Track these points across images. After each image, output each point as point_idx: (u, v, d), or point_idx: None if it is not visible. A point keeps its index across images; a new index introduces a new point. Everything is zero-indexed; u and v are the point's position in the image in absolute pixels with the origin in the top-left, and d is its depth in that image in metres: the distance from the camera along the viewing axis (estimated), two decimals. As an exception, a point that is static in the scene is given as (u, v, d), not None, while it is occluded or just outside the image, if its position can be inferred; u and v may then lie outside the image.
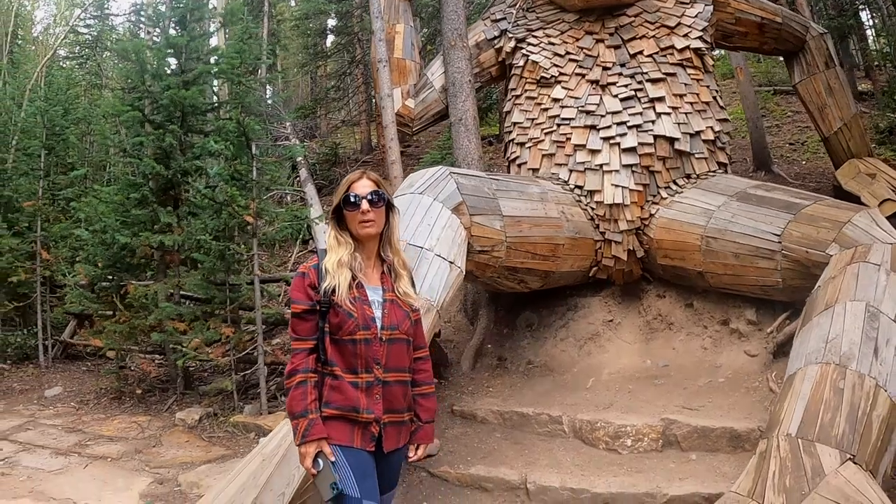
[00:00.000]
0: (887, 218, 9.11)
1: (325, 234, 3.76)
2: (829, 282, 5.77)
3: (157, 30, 12.18)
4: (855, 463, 4.24)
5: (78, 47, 30.65)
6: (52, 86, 15.81)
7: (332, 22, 26.98)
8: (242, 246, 9.24)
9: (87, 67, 28.79)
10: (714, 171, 8.43)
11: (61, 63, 29.43)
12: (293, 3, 35.77)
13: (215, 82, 12.89)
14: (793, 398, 4.73)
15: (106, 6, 31.06)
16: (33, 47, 38.33)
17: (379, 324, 3.24)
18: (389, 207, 3.43)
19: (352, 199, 3.31)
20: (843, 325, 5.09)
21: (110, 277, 10.86)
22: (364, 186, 3.35)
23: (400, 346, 3.27)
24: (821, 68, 10.48)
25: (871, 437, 4.40)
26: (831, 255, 6.23)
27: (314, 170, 20.22)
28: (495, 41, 9.98)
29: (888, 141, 14.82)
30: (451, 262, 6.11)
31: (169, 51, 10.47)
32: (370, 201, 3.30)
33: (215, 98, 12.89)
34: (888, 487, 4.57)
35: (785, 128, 16.36)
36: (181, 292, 10.56)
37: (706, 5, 9.28)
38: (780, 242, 6.78)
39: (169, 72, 10.49)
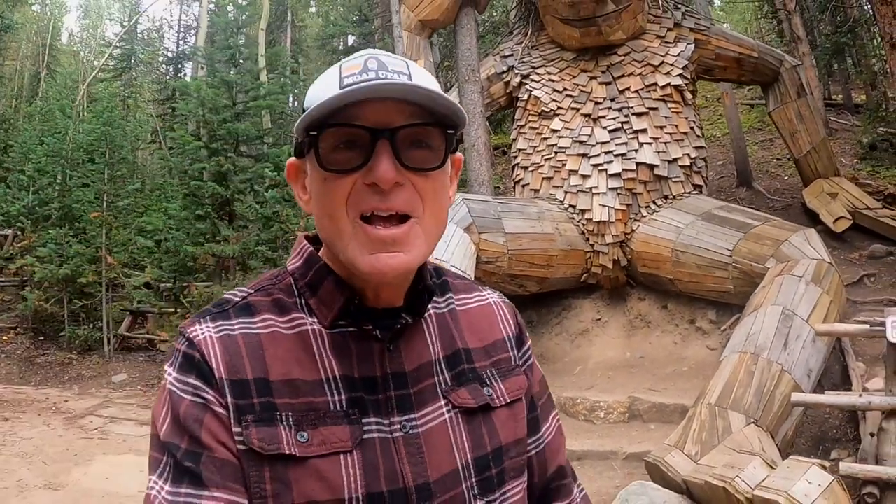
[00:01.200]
0: (840, 233, 10.77)
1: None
2: (762, 289, 7.38)
3: (203, 66, 13.90)
4: (757, 426, 5.82)
5: (113, 61, 31.95)
6: (107, 104, 17.39)
7: (352, 38, 28.20)
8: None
9: (122, 80, 30.09)
10: (689, 193, 9.92)
11: (96, 75, 30.90)
12: (313, 9, 37.21)
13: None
14: (717, 378, 6.36)
15: (138, 20, 32.34)
16: (68, 59, 39.92)
17: None
18: None
19: None
20: (763, 323, 6.72)
21: (173, 280, 12.59)
22: None
23: None
24: (793, 97, 11.77)
25: (774, 408, 6.02)
26: (768, 268, 7.80)
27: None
28: (504, 75, 11.55)
29: (870, 156, 15.94)
30: (462, 272, 7.65)
31: (223, 88, 12.16)
32: None
33: (262, 127, 14.45)
34: (787, 446, 6.13)
35: (777, 142, 17.53)
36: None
37: (688, 44, 10.76)
38: (731, 256, 8.38)
39: (223, 105, 12.13)
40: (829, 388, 7.16)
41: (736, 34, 12.84)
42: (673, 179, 9.83)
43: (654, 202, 9.71)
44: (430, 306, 1.31)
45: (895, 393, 5.64)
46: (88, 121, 18.33)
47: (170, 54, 35.13)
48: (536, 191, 10.30)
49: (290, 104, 16.49)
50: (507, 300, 1.51)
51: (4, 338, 15.19)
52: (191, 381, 1.13)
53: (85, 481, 7.36)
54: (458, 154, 1.28)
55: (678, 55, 10.57)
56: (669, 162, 9.84)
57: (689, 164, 9.99)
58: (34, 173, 17.46)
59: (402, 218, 1.14)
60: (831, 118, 19.31)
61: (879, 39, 20.06)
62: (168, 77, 33.33)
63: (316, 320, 1.21)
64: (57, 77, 29.94)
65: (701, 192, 10.21)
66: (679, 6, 11.64)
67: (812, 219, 11.69)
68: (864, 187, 12.60)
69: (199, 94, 11.39)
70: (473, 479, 1.24)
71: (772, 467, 4.87)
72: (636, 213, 9.66)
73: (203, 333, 1.16)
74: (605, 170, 9.73)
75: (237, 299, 1.23)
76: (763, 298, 7.13)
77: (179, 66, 34.09)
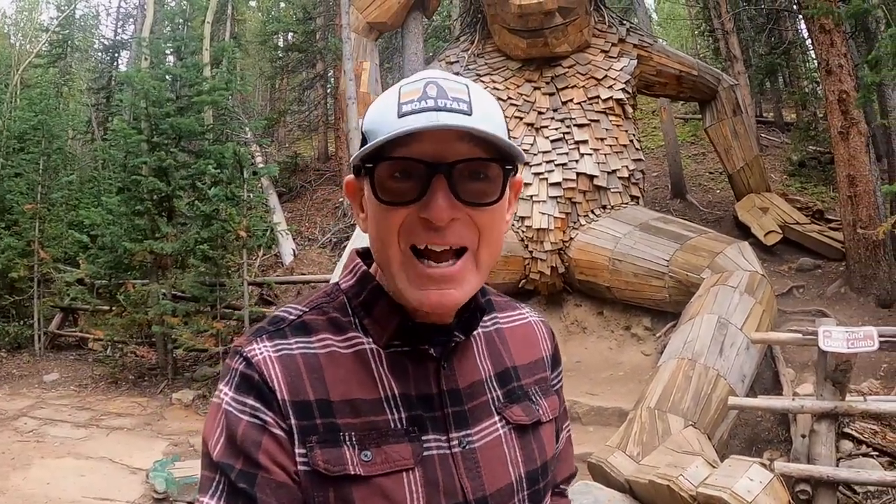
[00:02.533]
0: (771, 246, 11.12)
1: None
2: (698, 298, 7.62)
3: (147, 58, 13.80)
4: (695, 427, 6.03)
5: (48, 46, 31.21)
6: (42, 92, 17.03)
7: (292, 36, 28.09)
8: (235, 254, 10.92)
9: (57, 66, 29.46)
10: (627, 204, 10.15)
11: (31, 60, 30.22)
12: (254, 2, 36.93)
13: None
14: (656, 382, 6.57)
15: (75, 3, 31.71)
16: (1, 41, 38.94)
17: None
18: None
19: None
20: (700, 331, 6.96)
21: (109, 277, 12.45)
22: None
23: None
24: (729, 115, 12.22)
25: (711, 411, 6.26)
26: (704, 278, 8.04)
27: (275, 178, 21.34)
28: (449, 82, 11.66)
29: (799, 173, 16.48)
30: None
31: (167, 79, 12.09)
32: None
33: (205, 122, 14.35)
34: (723, 448, 6.37)
35: (710, 156, 17.90)
36: (173, 291, 12.14)
37: (631, 59, 11.03)
38: (668, 266, 8.61)
39: (167, 98, 12.04)
40: (761, 393, 7.48)
41: (677, 52, 13.14)
42: (612, 190, 10.04)
43: (592, 212, 9.91)
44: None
45: (825, 397, 5.88)
46: (22, 108, 18.03)
47: (106, 42, 34.58)
48: (479, 198, 10.41)
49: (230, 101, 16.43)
50: (545, 319, 1.53)
51: None
52: (249, 401, 1.12)
53: (25, 486, 7.28)
54: (519, 177, 1.26)
55: (621, 70, 10.83)
56: (609, 173, 10.05)
57: (627, 175, 10.21)
58: None
59: (458, 252, 1.13)
60: (763, 135, 19.86)
61: (813, 62, 20.75)
62: (104, 66, 32.83)
63: (371, 340, 1.21)
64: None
65: (638, 203, 10.46)
66: (624, 22, 11.95)
67: (743, 232, 12.09)
68: (794, 203, 13.00)
69: (143, 86, 11.30)
70: (525, 493, 1.27)
71: (713, 466, 5.09)
72: (575, 222, 9.85)
73: (262, 353, 1.15)
74: (546, 179, 9.91)
75: (292, 317, 1.22)
76: (699, 307, 7.38)
77: (116, 54, 33.55)
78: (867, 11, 10.05)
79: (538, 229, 9.78)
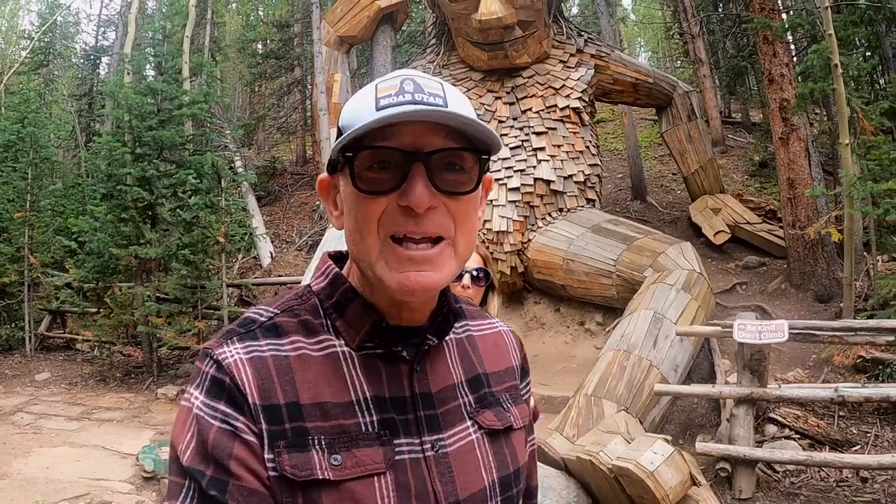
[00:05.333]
0: (720, 245, 11.78)
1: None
2: (638, 295, 8.31)
3: (129, 72, 14.41)
4: (627, 412, 6.70)
5: (31, 54, 31.40)
6: (27, 100, 17.67)
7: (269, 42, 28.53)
8: (214, 258, 11.60)
9: (39, 73, 29.74)
10: (583, 206, 10.84)
11: (11, 66, 30.51)
12: (234, 5, 37.28)
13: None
14: (594, 372, 7.28)
15: (59, 13, 31.93)
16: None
17: None
18: (491, 287, 3.26)
19: None
20: (636, 325, 7.65)
21: (96, 280, 13.11)
22: (472, 261, 3.15)
23: None
24: (683, 120, 12.88)
25: (643, 397, 6.93)
26: (646, 276, 8.72)
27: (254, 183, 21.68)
28: (415, 92, 12.30)
29: (759, 174, 17.03)
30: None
31: (149, 94, 12.72)
32: (473, 276, 3.11)
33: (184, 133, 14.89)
34: (655, 430, 7.00)
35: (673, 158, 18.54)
36: (157, 294, 12.78)
37: (588, 69, 11.72)
38: (615, 266, 9.31)
39: (149, 112, 12.64)
40: (698, 381, 8.20)
41: (633, 60, 13.79)
42: (568, 194, 10.73)
43: (549, 214, 10.61)
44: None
45: (744, 384, 6.57)
46: (6, 116, 18.57)
47: (87, 48, 34.92)
48: (441, 203, 11.04)
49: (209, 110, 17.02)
50: (513, 329, 1.57)
51: None
52: (220, 406, 1.11)
53: (27, 471, 7.87)
54: (489, 175, 1.29)
55: (578, 79, 11.50)
56: (565, 178, 10.74)
57: (583, 180, 10.90)
58: None
59: (435, 240, 1.16)
60: (729, 135, 20.57)
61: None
62: (86, 73, 33.19)
63: (343, 342, 1.23)
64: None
65: (594, 205, 11.12)
66: (582, 33, 12.61)
67: (697, 231, 12.75)
68: (748, 203, 13.68)
69: (127, 100, 11.92)
70: (499, 498, 1.28)
71: (629, 443, 5.75)
72: (532, 225, 10.55)
73: (233, 356, 1.14)
74: (506, 184, 10.60)
75: (263, 319, 1.22)
76: (638, 303, 8.09)
77: (97, 60, 33.89)
78: (800, 25, 10.64)
79: (498, 231, 10.49)
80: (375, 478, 1.13)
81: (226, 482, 1.07)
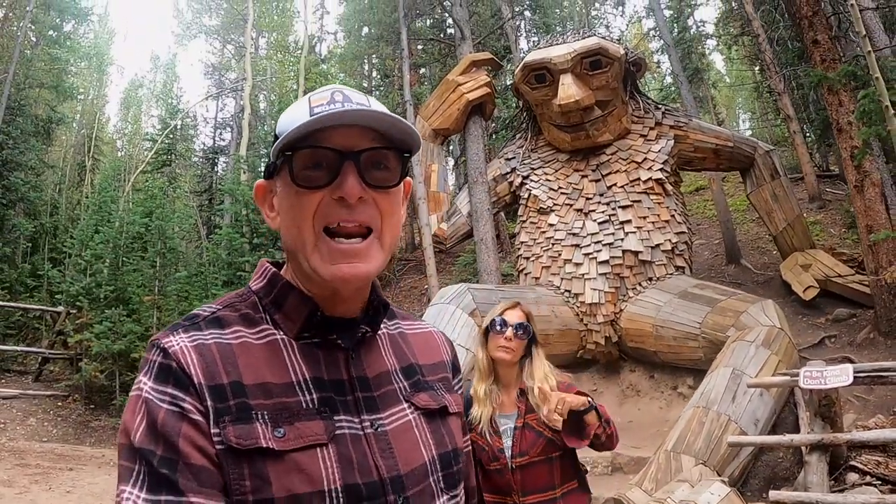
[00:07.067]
0: (810, 300, 11.90)
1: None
2: (720, 354, 8.69)
3: (245, 171, 15.60)
4: (705, 465, 7.11)
5: (154, 154, 33.25)
6: (154, 198, 19.69)
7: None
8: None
9: (163, 172, 31.65)
10: (672, 274, 11.21)
11: (137, 166, 33.01)
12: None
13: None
14: (674, 429, 7.69)
15: (179, 118, 33.91)
16: (108, 148, 41.60)
17: (508, 453, 3.29)
18: (533, 341, 3.48)
19: (498, 324, 3.42)
20: (716, 382, 8.02)
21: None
22: (515, 316, 3.45)
23: (537, 469, 3.26)
24: (767, 180, 13.01)
25: (721, 451, 7.26)
26: (729, 336, 9.10)
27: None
28: (508, 176, 13.12)
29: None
30: (467, 349, 8.93)
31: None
32: (515, 332, 3.39)
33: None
34: (735, 483, 7.28)
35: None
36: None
37: (668, 140, 12.21)
38: (700, 328, 9.71)
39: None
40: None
41: (713, 126, 14.09)
42: (656, 263, 11.14)
43: (639, 284, 11.02)
44: (382, 326, 1.47)
45: (815, 431, 6.88)
46: (135, 211, 20.36)
47: (206, 149, 37.06)
48: (537, 278, 11.71)
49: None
50: (445, 334, 1.70)
51: (60, 403, 16.70)
52: (168, 389, 1.17)
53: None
54: (408, 178, 1.43)
55: (659, 151, 12.00)
56: (652, 248, 11.16)
57: (670, 248, 11.28)
58: (91, 258, 19.21)
59: (365, 234, 1.29)
60: (827, 189, 20.42)
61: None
62: (205, 171, 35.25)
63: (282, 332, 1.32)
64: (104, 170, 31.92)
65: (684, 272, 11.45)
66: (659, 106, 13.10)
67: (789, 289, 12.96)
68: (839, 256, 13.67)
69: (244, 196, 12.94)
70: (440, 474, 1.36)
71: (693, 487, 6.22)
72: (624, 295, 10.99)
73: (178, 343, 1.21)
74: (595, 258, 11.12)
75: (206, 314, 1.31)
76: (719, 362, 8.46)
77: (215, 160, 35.90)
78: (852, 73, 10.81)
79: (591, 304, 10.96)
80: (318, 449, 1.21)
81: (175, 461, 1.13)
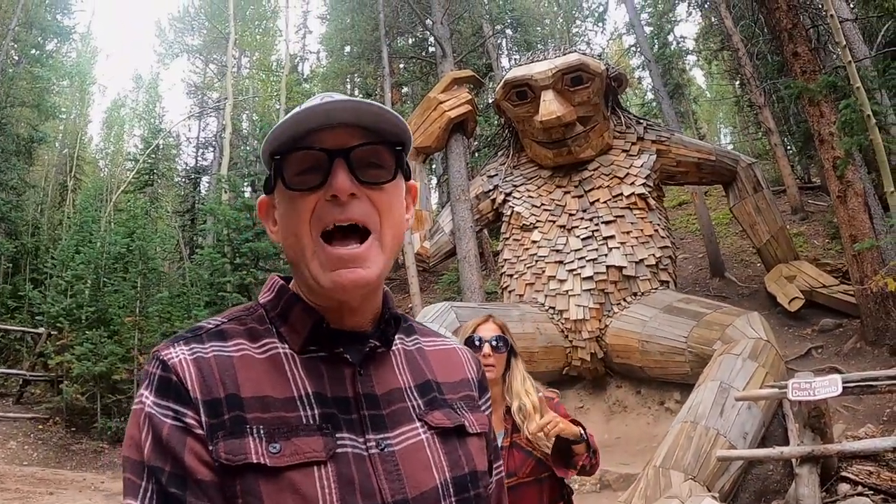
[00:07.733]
0: (796, 311, 11.93)
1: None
2: (707, 368, 8.64)
3: (226, 190, 15.54)
4: (695, 481, 7.05)
5: (136, 174, 33.12)
6: (136, 218, 19.62)
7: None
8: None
9: (145, 192, 31.54)
10: (656, 288, 11.20)
11: (119, 185, 32.95)
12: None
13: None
14: (662, 445, 7.62)
15: (161, 137, 33.89)
16: (91, 168, 41.51)
17: None
18: (512, 353, 3.37)
19: (476, 342, 3.28)
20: (703, 396, 7.96)
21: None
22: (489, 330, 3.33)
23: (525, 491, 3.15)
24: (750, 192, 13.02)
25: (710, 466, 7.19)
26: (715, 350, 9.07)
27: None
28: (490, 193, 13.10)
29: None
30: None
31: (244, 211, 13.74)
32: (493, 346, 3.27)
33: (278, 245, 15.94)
34: (725, 497, 7.28)
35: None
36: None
37: (650, 155, 12.24)
38: (686, 342, 9.68)
39: (245, 226, 13.66)
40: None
41: (694, 140, 14.17)
42: (640, 278, 11.12)
43: (624, 299, 10.99)
44: (398, 342, 1.40)
45: (805, 442, 6.84)
46: (116, 231, 20.34)
47: (188, 169, 36.99)
48: (521, 296, 11.66)
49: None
50: (471, 351, 1.62)
51: (41, 426, 16.58)
52: (171, 404, 1.14)
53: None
54: (413, 182, 1.40)
55: (641, 166, 12.03)
56: (636, 263, 11.15)
57: (654, 263, 11.28)
58: (72, 279, 19.24)
59: (362, 236, 1.25)
60: (809, 201, 20.57)
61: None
62: (187, 191, 35.17)
63: (287, 346, 1.27)
64: (85, 190, 31.80)
65: (668, 286, 11.45)
66: (641, 121, 13.14)
67: (775, 302, 13.00)
68: (823, 267, 13.75)
69: (225, 216, 12.89)
70: (453, 499, 1.27)
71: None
72: (609, 311, 10.95)
73: (177, 356, 1.19)
74: (579, 274, 11.09)
75: (210, 326, 1.28)
76: (706, 376, 8.42)
77: (197, 180, 35.81)
78: (833, 83, 10.85)
79: (575, 320, 10.92)
80: (315, 467, 1.15)
81: (184, 478, 1.11)
